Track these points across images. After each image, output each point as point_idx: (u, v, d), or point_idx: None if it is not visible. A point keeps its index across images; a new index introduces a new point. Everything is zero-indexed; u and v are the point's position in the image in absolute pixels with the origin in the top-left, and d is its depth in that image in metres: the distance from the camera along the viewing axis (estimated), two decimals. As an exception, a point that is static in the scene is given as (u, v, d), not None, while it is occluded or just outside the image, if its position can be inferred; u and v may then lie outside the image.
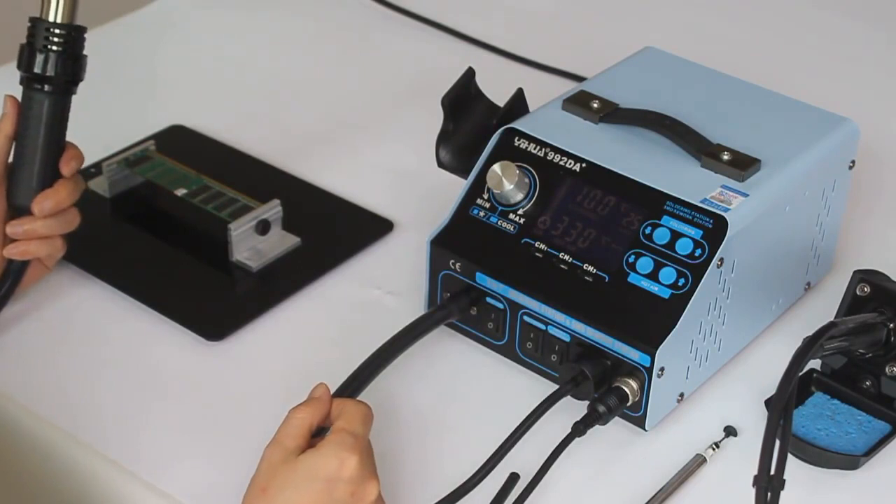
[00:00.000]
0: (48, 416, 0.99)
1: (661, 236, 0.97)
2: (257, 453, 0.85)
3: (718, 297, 0.97)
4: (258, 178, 1.24)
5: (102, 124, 1.30)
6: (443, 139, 1.06)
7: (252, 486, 0.84)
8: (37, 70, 1.00)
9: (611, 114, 1.05)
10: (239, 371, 1.04)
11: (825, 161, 1.05)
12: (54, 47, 1.00)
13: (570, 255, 0.99)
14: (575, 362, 0.96)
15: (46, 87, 1.01)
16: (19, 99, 1.02)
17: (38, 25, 1.00)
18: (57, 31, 1.00)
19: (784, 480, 0.79)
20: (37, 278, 1.07)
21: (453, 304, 1.02)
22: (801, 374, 0.85)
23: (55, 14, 1.00)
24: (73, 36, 1.01)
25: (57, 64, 1.01)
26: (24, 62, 1.01)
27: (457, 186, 1.05)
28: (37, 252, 1.03)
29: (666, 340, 0.94)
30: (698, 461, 0.96)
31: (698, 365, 0.99)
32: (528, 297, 0.99)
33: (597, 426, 0.94)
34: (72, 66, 1.01)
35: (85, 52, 1.02)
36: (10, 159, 1.03)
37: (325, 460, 0.83)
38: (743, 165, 0.99)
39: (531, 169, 1.02)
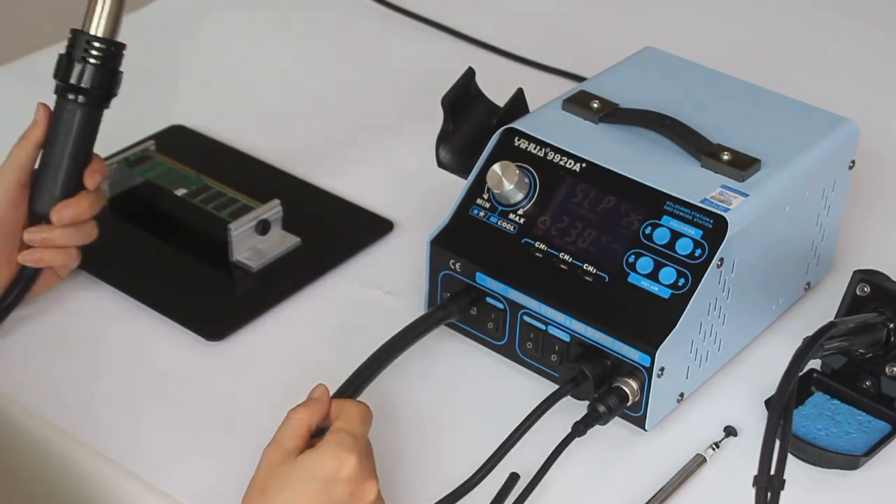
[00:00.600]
0: (48, 416, 0.99)
1: (661, 236, 0.97)
2: (257, 453, 0.85)
3: (718, 297, 0.97)
4: (258, 178, 1.24)
5: (103, 124, 1.30)
6: (443, 139, 1.06)
7: (251, 486, 0.84)
8: (73, 81, 1.01)
9: (611, 114, 1.05)
10: (239, 371, 1.04)
11: (825, 161, 1.05)
12: (93, 60, 1.00)
13: (570, 255, 0.99)
14: (575, 362, 0.96)
15: (80, 99, 1.01)
16: (52, 107, 1.02)
17: (79, 37, 1.01)
18: (97, 44, 1.00)
19: (784, 480, 0.79)
20: (48, 286, 1.06)
21: (453, 304, 1.02)
22: (801, 374, 0.85)
23: (97, 27, 1.01)
24: (113, 51, 1.01)
25: (94, 77, 1.01)
26: (62, 71, 1.01)
27: (457, 186, 1.05)
28: (51, 261, 1.03)
29: (666, 340, 0.94)
30: (698, 461, 0.96)
31: (698, 365, 0.99)
32: (528, 297, 0.99)
33: (597, 426, 0.94)
34: (108, 81, 1.01)
35: (122, 70, 1.03)
36: (37, 165, 1.03)
37: (323, 460, 0.83)
38: (743, 165, 0.99)
39: (531, 169, 1.02)
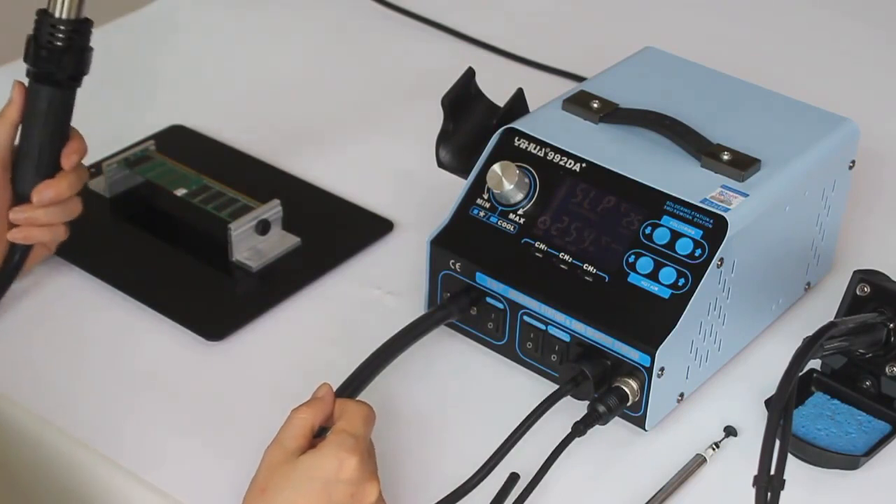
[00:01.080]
0: (47, 416, 0.99)
1: (661, 236, 0.97)
2: (257, 453, 0.85)
3: (718, 297, 0.97)
4: (258, 178, 1.24)
5: (102, 124, 1.29)
6: (443, 139, 1.06)
7: (252, 486, 0.84)
8: (41, 65, 1.00)
9: (611, 114, 1.05)
10: (239, 371, 1.04)
11: (825, 161, 1.05)
12: (59, 43, 1.00)
13: (570, 255, 0.99)
14: (575, 362, 0.96)
15: (51, 82, 1.01)
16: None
17: (43, 20, 1.00)
18: (62, 27, 1.00)
19: (784, 480, 0.79)
20: (39, 259, 1.08)
21: (453, 304, 1.02)
22: (801, 374, 0.85)
23: (61, 9, 1.00)
24: (79, 31, 1.01)
25: (61, 60, 1.00)
26: (30, 56, 1.01)
27: (457, 186, 1.05)
28: (39, 238, 1.05)
29: (666, 340, 0.94)
30: (698, 461, 0.96)
31: (698, 365, 0.99)
32: (528, 297, 0.99)
33: (597, 426, 0.94)
34: (75, 62, 1.01)
35: (91, 45, 1.02)
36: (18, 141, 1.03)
37: (324, 461, 0.83)
38: (743, 165, 0.99)
39: (531, 169, 1.02)
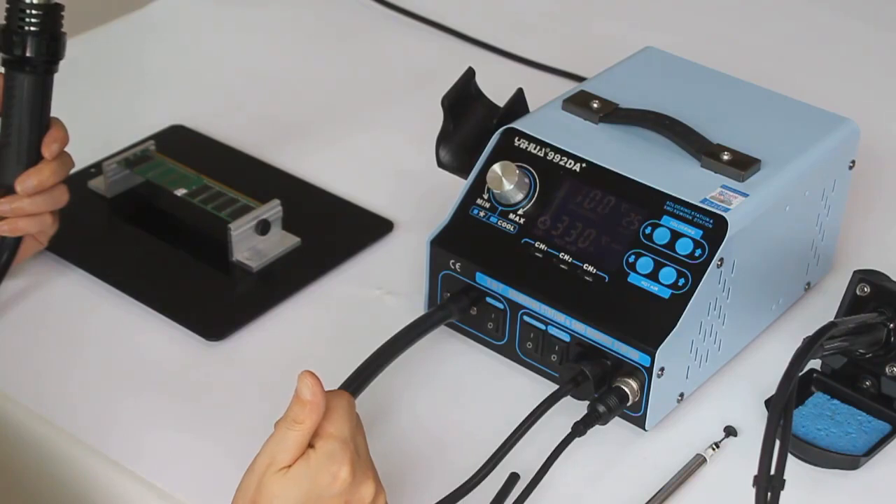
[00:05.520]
0: (48, 415, 0.99)
1: (661, 236, 0.97)
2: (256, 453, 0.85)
3: (718, 297, 0.97)
4: (258, 178, 1.24)
5: (102, 124, 1.30)
6: (443, 139, 1.06)
7: (240, 497, 0.81)
8: (16, 52, 1.01)
9: (611, 114, 1.05)
10: (239, 371, 1.04)
11: (825, 161, 1.05)
12: (32, 28, 1.00)
13: (570, 255, 0.99)
14: (575, 362, 0.96)
15: (26, 68, 1.01)
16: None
17: (14, 6, 1.00)
18: (34, 11, 1.00)
19: (784, 480, 0.79)
20: (30, 253, 1.08)
21: (453, 304, 1.02)
22: (801, 374, 0.85)
23: None
24: (51, 15, 1.01)
25: (35, 45, 1.01)
26: (4, 44, 1.01)
27: (457, 186, 1.05)
28: (26, 228, 1.04)
29: (666, 340, 0.94)
30: (698, 461, 0.96)
31: (698, 365, 0.99)
32: (528, 297, 0.99)
33: (597, 426, 0.94)
34: (49, 47, 1.01)
35: (64, 31, 1.02)
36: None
37: (317, 476, 0.80)
38: (743, 165, 0.99)
39: (531, 169, 1.02)
